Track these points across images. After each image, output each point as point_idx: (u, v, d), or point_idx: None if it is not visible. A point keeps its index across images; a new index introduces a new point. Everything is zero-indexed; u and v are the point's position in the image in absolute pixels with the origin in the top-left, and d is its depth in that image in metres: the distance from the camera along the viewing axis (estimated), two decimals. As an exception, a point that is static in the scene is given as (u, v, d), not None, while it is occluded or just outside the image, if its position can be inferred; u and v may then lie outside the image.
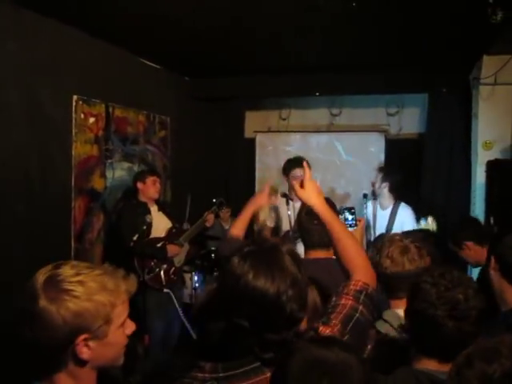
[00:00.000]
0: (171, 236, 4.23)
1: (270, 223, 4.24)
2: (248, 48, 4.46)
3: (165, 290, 3.79)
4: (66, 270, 1.22)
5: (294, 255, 1.27)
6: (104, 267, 1.28)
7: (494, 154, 4.46)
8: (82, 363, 1.22)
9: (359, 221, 2.90)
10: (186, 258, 4.44)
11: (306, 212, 2.41)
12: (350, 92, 5.64)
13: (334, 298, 1.46)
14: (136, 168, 4.74)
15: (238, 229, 2.33)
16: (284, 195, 4.30)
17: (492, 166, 4.07)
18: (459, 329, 1.38)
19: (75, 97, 3.88)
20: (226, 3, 3.29)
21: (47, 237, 3.55)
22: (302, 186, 1.77)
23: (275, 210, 4.23)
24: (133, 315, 1.32)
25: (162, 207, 4.32)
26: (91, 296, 1.19)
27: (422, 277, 1.50)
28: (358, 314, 1.39)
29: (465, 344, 1.33)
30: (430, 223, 3.74)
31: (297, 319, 1.23)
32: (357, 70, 5.09)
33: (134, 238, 3.76)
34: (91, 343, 1.20)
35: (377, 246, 2.20)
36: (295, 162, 4.03)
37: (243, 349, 1.23)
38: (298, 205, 4.24)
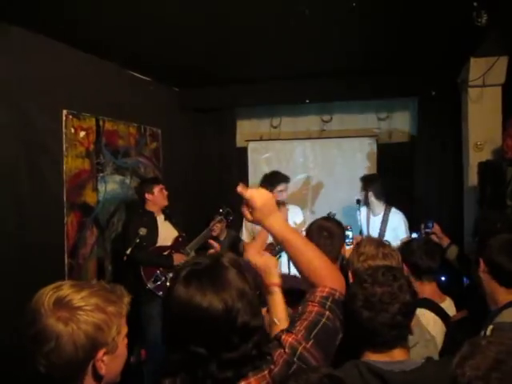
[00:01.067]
0: (178, 245, 4.24)
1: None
2: (236, 57, 4.47)
3: None
4: (68, 290, 1.22)
5: (236, 265, 1.25)
6: (99, 284, 1.29)
7: (485, 155, 4.49)
8: (99, 379, 1.22)
9: (355, 239, 3.02)
10: None
11: (318, 226, 2.43)
12: (339, 98, 5.65)
13: (300, 307, 1.43)
14: (128, 181, 4.73)
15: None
16: (277, 203, 4.32)
17: (483, 167, 4.08)
18: (372, 319, 1.50)
19: (65, 111, 3.87)
20: (214, 14, 3.30)
21: (40, 253, 3.51)
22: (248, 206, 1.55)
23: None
24: (137, 324, 1.32)
25: (168, 217, 4.32)
26: (103, 308, 1.21)
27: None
28: (324, 319, 1.36)
29: (380, 334, 1.50)
30: None
31: (251, 329, 1.20)
32: (346, 76, 5.13)
33: (128, 252, 3.74)
34: (105, 358, 1.21)
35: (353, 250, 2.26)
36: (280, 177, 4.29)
37: (203, 373, 1.19)
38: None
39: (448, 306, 2.55)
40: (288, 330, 1.34)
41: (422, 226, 3.56)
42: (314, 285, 1.48)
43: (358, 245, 2.22)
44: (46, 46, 3.66)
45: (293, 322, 1.38)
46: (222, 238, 5.48)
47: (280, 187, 4.26)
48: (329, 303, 1.40)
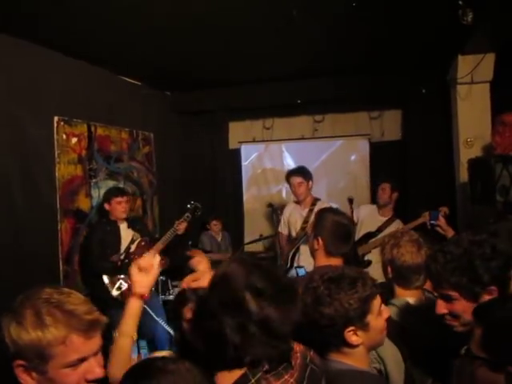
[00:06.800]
0: (140, 249, 4.09)
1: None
2: (227, 60, 4.48)
3: None
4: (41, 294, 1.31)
5: None
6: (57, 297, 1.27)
7: (475, 151, 4.52)
8: None
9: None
10: (160, 269, 4.26)
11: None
12: (330, 97, 5.65)
13: None
14: (122, 186, 4.72)
15: None
16: (270, 205, 4.38)
17: (473, 163, 4.09)
18: None
19: (56, 118, 3.87)
20: (204, 18, 3.32)
21: (35, 260, 3.53)
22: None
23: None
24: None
25: (131, 224, 4.20)
26: (29, 329, 1.19)
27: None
28: None
29: None
30: None
31: None
32: (336, 76, 5.15)
33: (122, 257, 3.72)
34: (34, 374, 1.20)
35: (389, 242, 2.23)
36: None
37: None
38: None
39: None
40: None
41: (428, 218, 3.50)
42: None
43: (397, 242, 2.21)
44: (35, 53, 3.66)
45: None
46: (219, 240, 5.54)
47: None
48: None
